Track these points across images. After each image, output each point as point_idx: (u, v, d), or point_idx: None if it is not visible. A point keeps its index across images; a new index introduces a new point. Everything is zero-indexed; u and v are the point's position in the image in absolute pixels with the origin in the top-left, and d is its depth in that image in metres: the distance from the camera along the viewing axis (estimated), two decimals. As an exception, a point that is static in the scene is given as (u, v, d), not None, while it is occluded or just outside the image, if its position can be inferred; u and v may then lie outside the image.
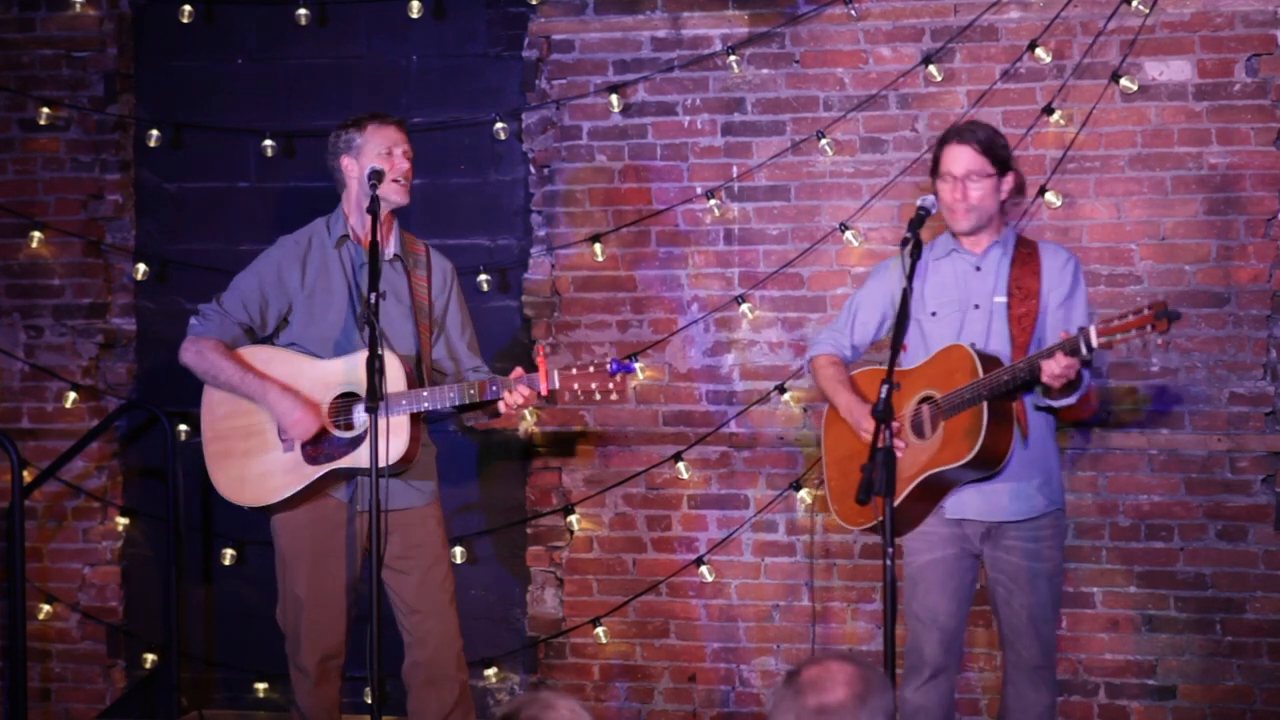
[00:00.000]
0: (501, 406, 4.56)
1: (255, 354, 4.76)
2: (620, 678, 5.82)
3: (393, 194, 4.72)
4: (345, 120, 4.82)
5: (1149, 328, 4.02)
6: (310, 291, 4.77)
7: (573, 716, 2.65)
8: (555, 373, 4.51)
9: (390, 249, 4.79)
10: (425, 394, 4.58)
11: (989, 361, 4.37)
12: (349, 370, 4.66)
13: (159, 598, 6.04)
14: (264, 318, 4.80)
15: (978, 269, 4.56)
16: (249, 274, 4.82)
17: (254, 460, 4.71)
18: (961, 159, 4.51)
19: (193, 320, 4.81)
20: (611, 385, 4.49)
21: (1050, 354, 4.20)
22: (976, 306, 4.54)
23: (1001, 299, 4.51)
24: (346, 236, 4.79)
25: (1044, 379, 4.22)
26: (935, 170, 4.58)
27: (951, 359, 4.42)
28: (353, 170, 4.77)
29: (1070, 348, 4.16)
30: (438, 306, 4.85)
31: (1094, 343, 4.12)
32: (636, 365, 4.55)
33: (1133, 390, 5.47)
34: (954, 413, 4.37)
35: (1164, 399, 5.45)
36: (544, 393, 4.52)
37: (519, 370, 4.55)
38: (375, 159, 4.71)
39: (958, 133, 4.57)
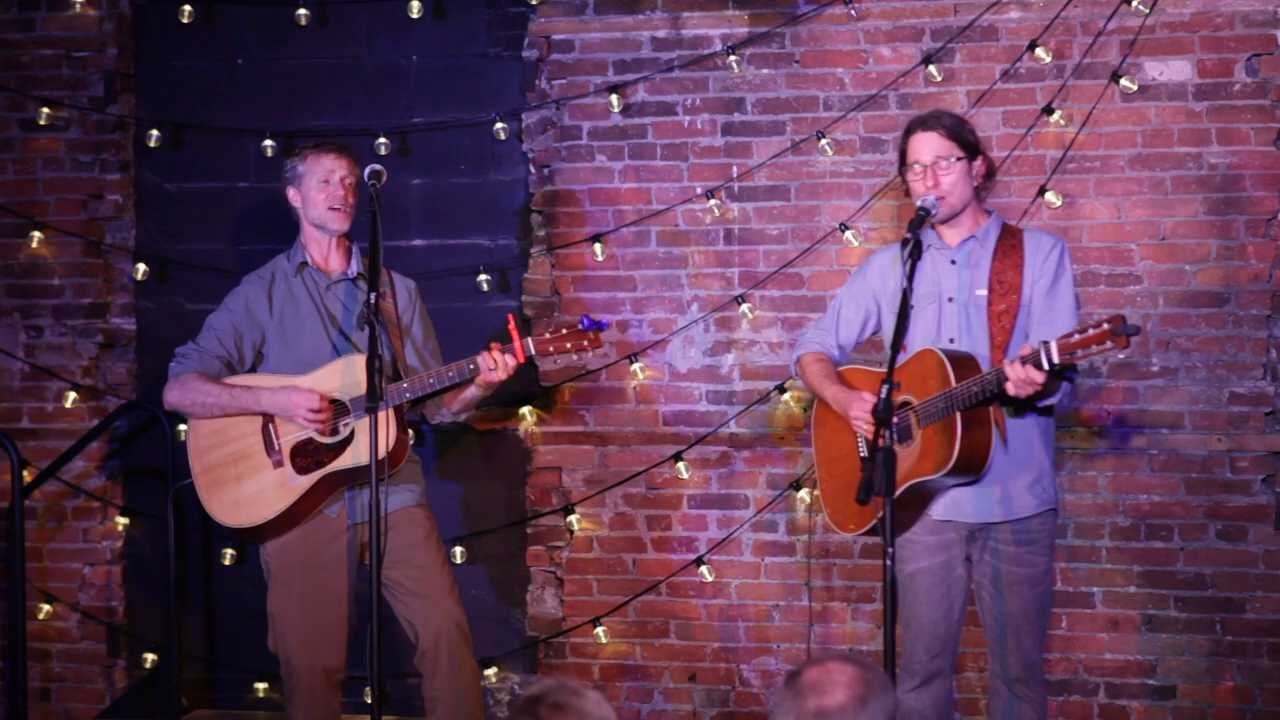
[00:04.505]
0: (483, 364, 4.58)
1: (238, 381, 4.82)
2: (620, 678, 5.82)
3: (330, 221, 4.83)
4: (291, 151, 4.90)
5: (1108, 343, 3.94)
6: (280, 319, 4.84)
7: (599, 709, 2.67)
8: (529, 340, 4.57)
9: (351, 269, 4.89)
10: (405, 385, 4.65)
11: (960, 364, 4.28)
12: (330, 378, 4.70)
13: (159, 598, 6.04)
14: (240, 351, 4.86)
15: (952, 262, 4.47)
16: (220, 312, 4.91)
17: (246, 482, 4.74)
18: (929, 145, 4.42)
19: (171, 364, 4.88)
20: (586, 341, 4.57)
21: (1009, 366, 4.11)
22: (950, 300, 4.45)
23: (982, 292, 4.41)
24: (305, 264, 4.86)
25: (1009, 391, 4.13)
26: (903, 163, 4.49)
27: (925, 363, 4.34)
28: (296, 201, 4.89)
29: (1034, 361, 4.07)
30: (405, 319, 4.90)
31: (1054, 358, 4.03)
32: (609, 321, 4.59)
33: (1133, 390, 5.47)
34: (929, 422, 4.30)
35: (1163, 399, 5.46)
36: (521, 359, 4.59)
37: (495, 345, 4.61)
38: (314, 188, 4.82)
39: (921, 121, 4.48)
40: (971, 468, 4.29)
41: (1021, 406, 4.34)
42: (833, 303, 4.73)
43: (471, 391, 4.75)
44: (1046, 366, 4.06)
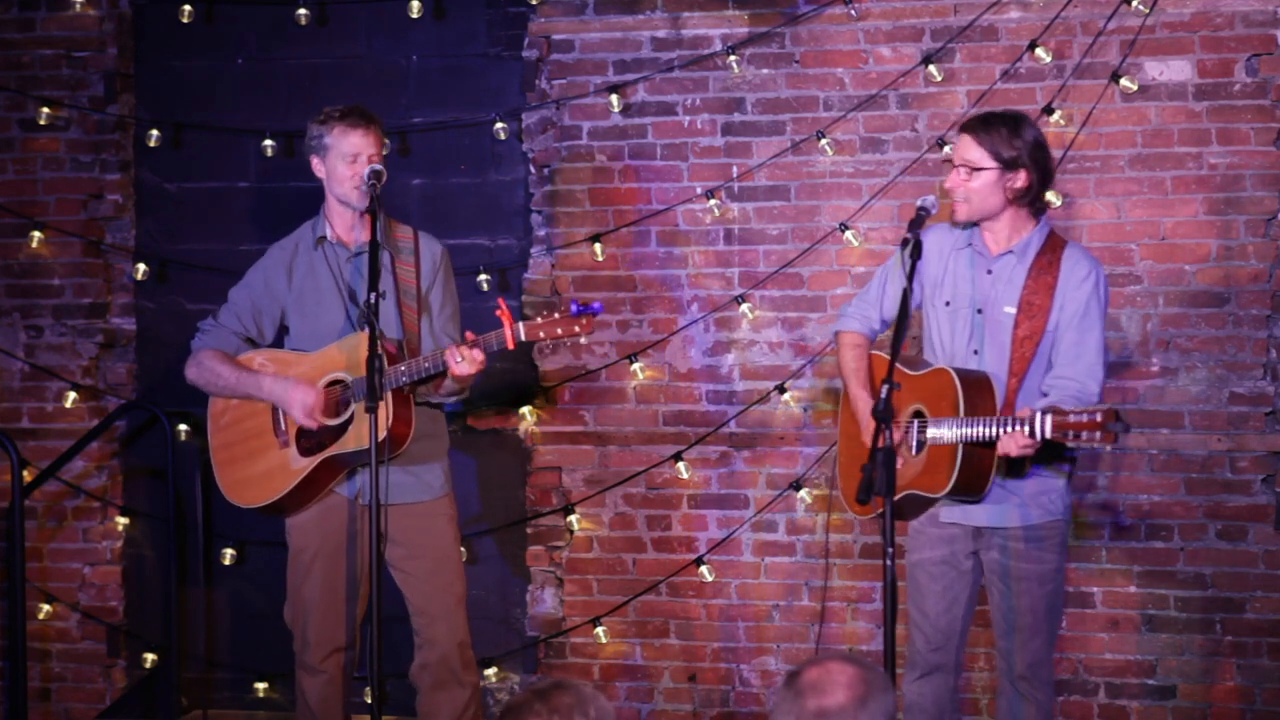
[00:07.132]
0: (449, 358, 4.49)
1: (251, 359, 4.83)
2: (620, 678, 5.82)
3: (356, 200, 4.73)
4: (319, 114, 4.78)
5: (1098, 434, 4.02)
6: (299, 294, 4.81)
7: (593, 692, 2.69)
8: (520, 325, 4.50)
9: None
10: (401, 369, 4.56)
11: (973, 390, 4.29)
12: (337, 356, 4.69)
13: (159, 598, 6.04)
14: (260, 327, 4.86)
15: (989, 272, 4.46)
16: (240, 287, 4.90)
17: (256, 461, 4.76)
18: (961, 148, 4.44)
19: (194, 338, 4.89)
20: (578, 328, 4.47)
21: (1005, 430, 4.17)
22: (980, 311, 4.44)
23: (1010, 310, 4.40)
24: (324, 237, 4.81)
25: (999, 453, 4.21)
26: None
27: (940, 382, 4.35)
28: (320, 172, 4.78)
29: (1029, 429, 4.12)
30: (424, 286, 4.85)
31: (1047, 433, 4.10)
32: (600, 305, 4.53)
33: (1133, 390, 5.47)
34: (937, 441, 4.33)
35: (1164, 399, 5.45)
36: (511, 346, 4.50)
37: (469, 335, 4.54)
38: (339, 164, 4.70)
39: (969, 120, 4.49)
40: (969, 493, 4.35)
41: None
42: (879, 271, 4.70)
43: (448, 382, 4.70)
44: (1038, 438, 4.13)
